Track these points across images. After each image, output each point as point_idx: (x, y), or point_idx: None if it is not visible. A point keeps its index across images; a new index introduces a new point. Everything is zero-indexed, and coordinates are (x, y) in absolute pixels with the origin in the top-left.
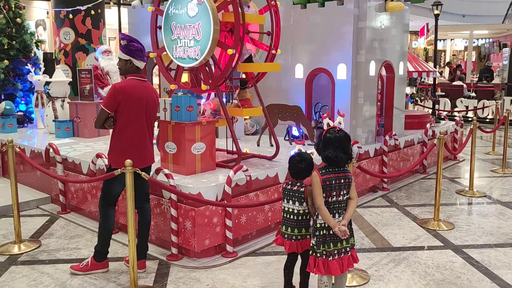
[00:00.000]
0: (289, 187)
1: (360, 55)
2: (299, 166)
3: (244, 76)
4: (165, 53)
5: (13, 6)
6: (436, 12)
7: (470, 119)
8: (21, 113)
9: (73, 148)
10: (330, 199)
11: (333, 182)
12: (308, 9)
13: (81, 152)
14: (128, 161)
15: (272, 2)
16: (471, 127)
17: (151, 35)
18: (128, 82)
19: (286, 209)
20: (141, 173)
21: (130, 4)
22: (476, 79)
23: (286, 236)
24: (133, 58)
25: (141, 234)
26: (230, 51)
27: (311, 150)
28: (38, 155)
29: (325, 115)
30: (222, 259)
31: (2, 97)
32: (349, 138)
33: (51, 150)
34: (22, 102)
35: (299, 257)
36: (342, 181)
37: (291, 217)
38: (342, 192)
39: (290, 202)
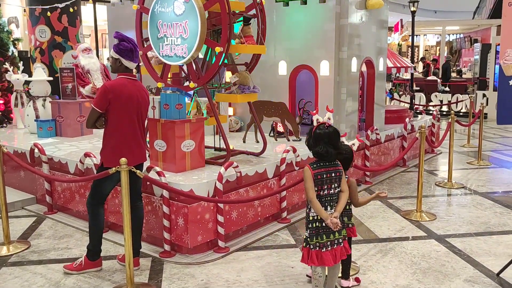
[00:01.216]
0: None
1: (342, 52)
2: (344, 157)
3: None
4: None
5: None
6: (412, 9)
7: (445, 113)
8: None
9: (57, 147)
10: (321, 193)
11: (324, 176)
12: (291, 7)
13: (66, 152)
14: (123, 160)
15: (258, 0)
16: (449, 121)
17: (136, 33)
18: (118, 81)
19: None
20: (136, 171)
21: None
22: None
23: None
24: (122, 58)
25: (134, 232)
26: (218, 49)
27: (352, 141)
28: (22, 155)
29: (314, 111)
30: (215, 255)
31: None
32: (338, 134)
33: (36, 150)
34: (0, 102)
35: None
36: (333, 174)
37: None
38: (333, 185)
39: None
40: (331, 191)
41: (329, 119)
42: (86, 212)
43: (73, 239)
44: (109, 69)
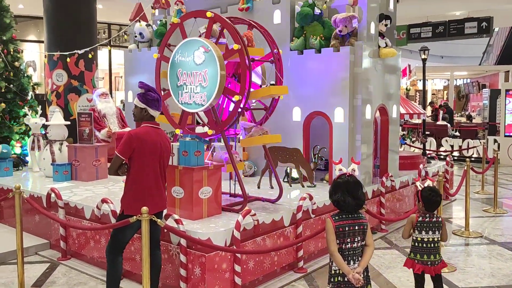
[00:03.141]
0: (427, 219)
1: (356, 99)
2: (436, 200)
3: None
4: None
5: (11, 50)
6: (423, 56)
7: (456, 158)
8: (16, 156)
9: (73, 192)
10: (344, 246)
11: (347, 229)
12: (305, 55)
13: (82, 197)
14: (145, 209)
15: (275, 50)
16: (464, 168)
17: (155, 80)
18: (142, 130)
19: (426, 239)
20: (157, 221)
21: (122, 46)
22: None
23: (429, 263)
24: (149, 107)
25: (151, 281)
26: (236, 98)
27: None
28: (38, 199)
29: (337, 161)
30: None
31: None
32: (359, 184)
33: (52, 194)
34: (17, 145)
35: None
36: (357, 227)
37: (433, 245)
38: (356, 238)
39: (430, 232)
40: (354, 245)
41: (353, 170)
42: (101, 259)
43: (87, 287)
44: (124, 112)
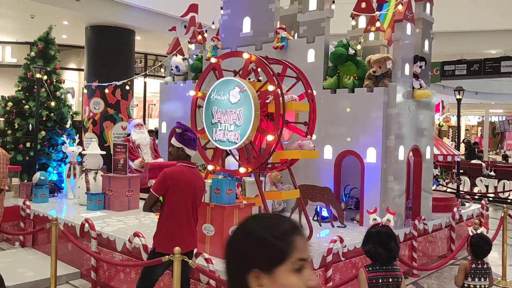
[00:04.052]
0: (480, 266)
1: (389, 140)
2: (485, 248)
3: None
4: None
5: (54, 80)
6: (458, 96)
7: (491, 199)
8: (52, 183)
9: (106, 222)
10: None
11: (380, 281)
12: (338, 94)
13: (114, 228)
14: (177, 249)
15: (309, 90)
16: (501, 214)
17: (190, 117)
18: (178, 169)
19: (478, 286)
20: (188, 261)
21: (156, 76)
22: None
23: None
24: (185, 147)
25: None
26: (270, 137)
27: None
28: (71, 228)
29: (371, 210)
30: None
31: (36, 167)
32: (392, 236)
33: (86, 224)
34: (54, 172)
35: None
36: (390, 280)
37: None
38: None
39: (482, 279)
40: None
41: (388, 221)
42: None
43: None
44: (157, 142)
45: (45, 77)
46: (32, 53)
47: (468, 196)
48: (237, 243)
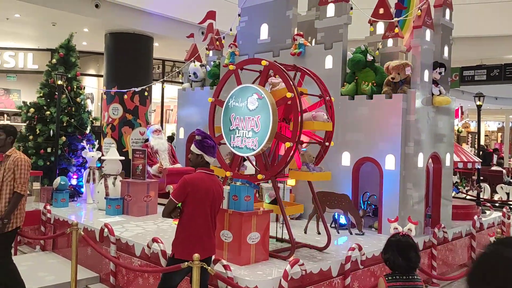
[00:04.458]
0: None
1: (408, 147)
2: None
3: None
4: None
5: (75, 87)
6: (478, 103)
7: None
8: (72, 188)
9: (124, 227)
10: None
11: None
12: (356, 100)
13: (133, 233)
14: (196, 255)
15: (327, 97)
16: None
17: (209, 124)
18: (197, 175)
19: None
20: (207, 268)
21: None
22: None
23: None
24: (205, 154)
25: None
26: (288, 144)
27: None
28: (91, 232)
29: (393, 219)
30: None
31: (57, 172)
32: (412, 245)
33: (105, 229)
34: (74, 177)
35: None
36: None
37: None
38: None
39: None
40: None
41: (409, 230)
42: None
43: None
44: (174, 146)
45: (65, 84)
46: (54, 60)
47: (488, 204)
48: (495, 272)
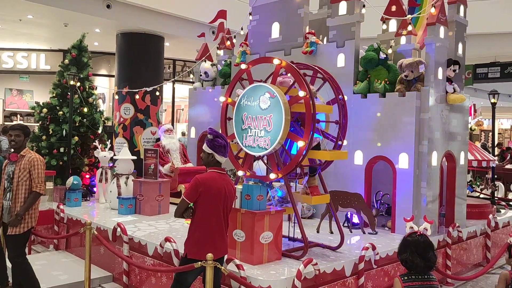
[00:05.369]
0: None
1: (422, 145)
2: None
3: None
4: (233, 142)
5: (87, 87)
6: (493, 100)
7: None
8: (84, 187)
9: (137, 227)
10: None
11: None
12: (369, 98)
13: (145, 232)
14: (210, 255)
15: (340, 96)
16: None
17: (221, 124)
18: (209, 175)
19: None
20: (221, 268)
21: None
22: None
23: None
24: (216, 153)
25: None
26: (300, 143)
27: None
28: (104, 232)
29: (408, 218)
30: None
31: (70, 171)
32: (429, 245)
33: (118, 229)
34: (87, 176)
35: None
36: None
37: None
38: None
39: None
40: None
41: (425, 229)
42: None
43: None
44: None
45: (78, 84)
46: (66, 61)
47: (503, 203)
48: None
